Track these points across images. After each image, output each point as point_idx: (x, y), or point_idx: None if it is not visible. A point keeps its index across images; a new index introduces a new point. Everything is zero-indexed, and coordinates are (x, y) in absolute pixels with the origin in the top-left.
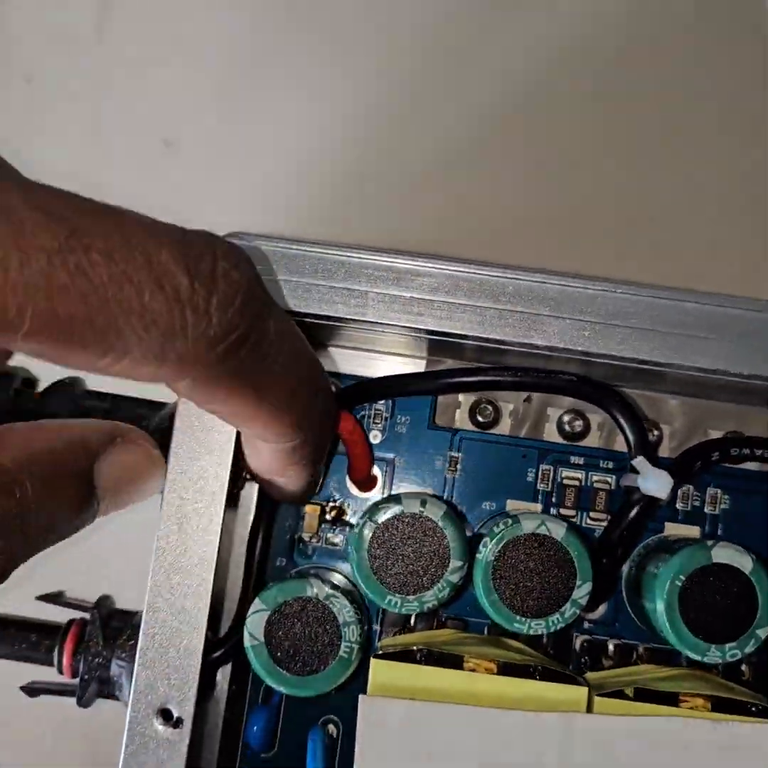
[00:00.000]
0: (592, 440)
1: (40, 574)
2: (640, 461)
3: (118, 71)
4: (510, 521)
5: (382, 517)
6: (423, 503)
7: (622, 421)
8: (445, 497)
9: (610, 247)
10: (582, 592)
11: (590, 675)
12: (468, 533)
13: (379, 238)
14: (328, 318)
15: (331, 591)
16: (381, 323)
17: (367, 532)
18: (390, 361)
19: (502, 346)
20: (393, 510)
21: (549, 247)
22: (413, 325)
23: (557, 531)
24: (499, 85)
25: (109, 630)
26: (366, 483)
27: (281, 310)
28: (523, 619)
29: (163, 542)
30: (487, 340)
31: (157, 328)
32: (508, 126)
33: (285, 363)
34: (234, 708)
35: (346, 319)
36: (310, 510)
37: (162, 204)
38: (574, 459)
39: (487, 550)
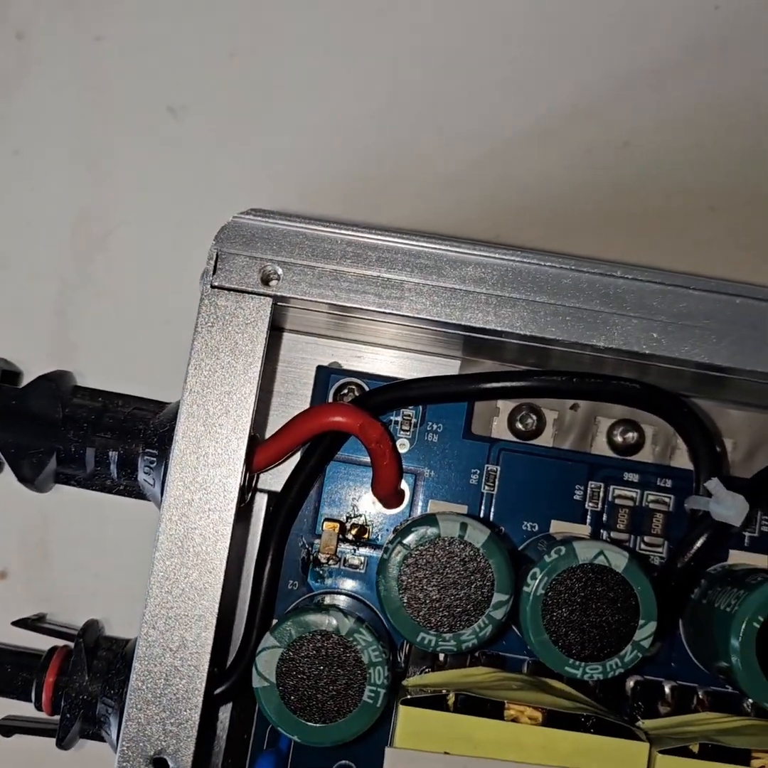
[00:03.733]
0: (645, 454)
1: (16, 594)
2: (714, 484)
3: (120, 28)
4: (563, 549)
5: (415, 541)
6: (463, 527)
7: (693, 437)
8: (480, 516)
9: (684, 237)
10: (645, 632)
11: (647, 723)
12: None
13: (414, 223)
14: (358, 310)
15: (354, 625)
16: (418, 318)
17: (397, 559)
18: (418, 359)
19: (552, 347)
20: (427, 533)
21: (612, 237)
22: (456, 322)
23: (618, 562)
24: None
25: (97, 661)
26: (392, 499)
27: None
28: (577, 662)
29: (161, 565)
30: (538, 339)
31: None
32: (566, 99)
33: None
34: (235, 750)
35: (379, 312)
36: (328, 527)
37: (169, 175)
38: (627, 476)
39: (536, 583)
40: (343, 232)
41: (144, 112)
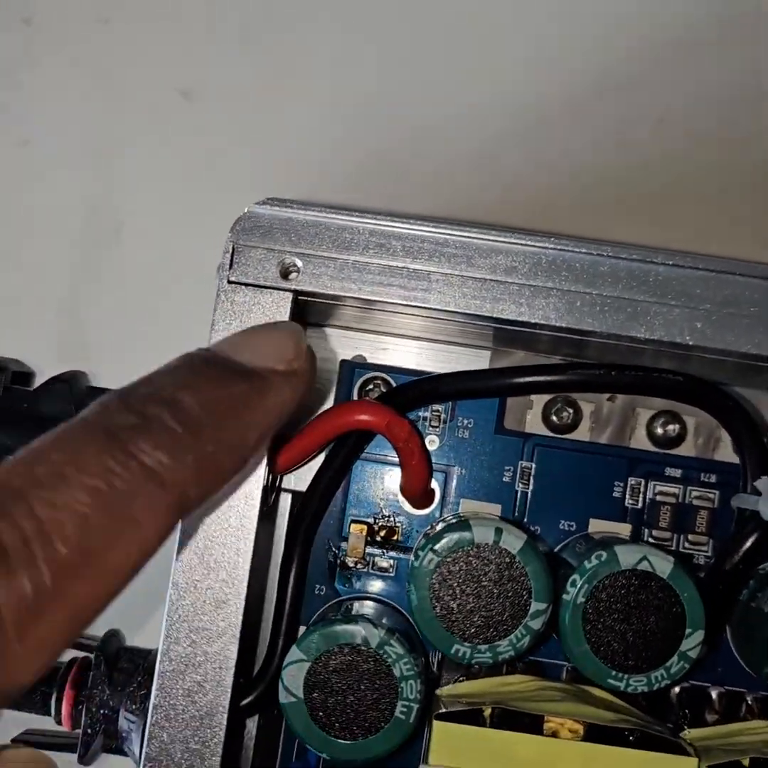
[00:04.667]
0: (687, 447)
1: None
2: (764, 482)
3: (127, 9)
4: (604, 555)
5: (447, 547)
6: (498, 532)
7: (740, 432)
8: (514, 515)
9: (723, 217)
10: (692, 642)
11: (693, 733)
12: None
13: (437, 210)
14: (383, 303)
15: (385, 637)
16: (447, 311)
17: (429, 567)
18: (447, 351)
19: (590, 339)
20: (460, 539)
21: (645, 217)
22: (487, 314)
23: (663, 567)
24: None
25: (118, 673)
26: (421, 499)
27: None
28: (620, 674)
29: (180, 575)
30: (574, 331)
31: None
32: (593, 77)
33: None
34: (264, 762)
35: (405, 305)
36: (356, 529)
37: (181, 163)
38: (669, 471)
39: (576, 590)
40: (365, 220)
41: (155, 97)
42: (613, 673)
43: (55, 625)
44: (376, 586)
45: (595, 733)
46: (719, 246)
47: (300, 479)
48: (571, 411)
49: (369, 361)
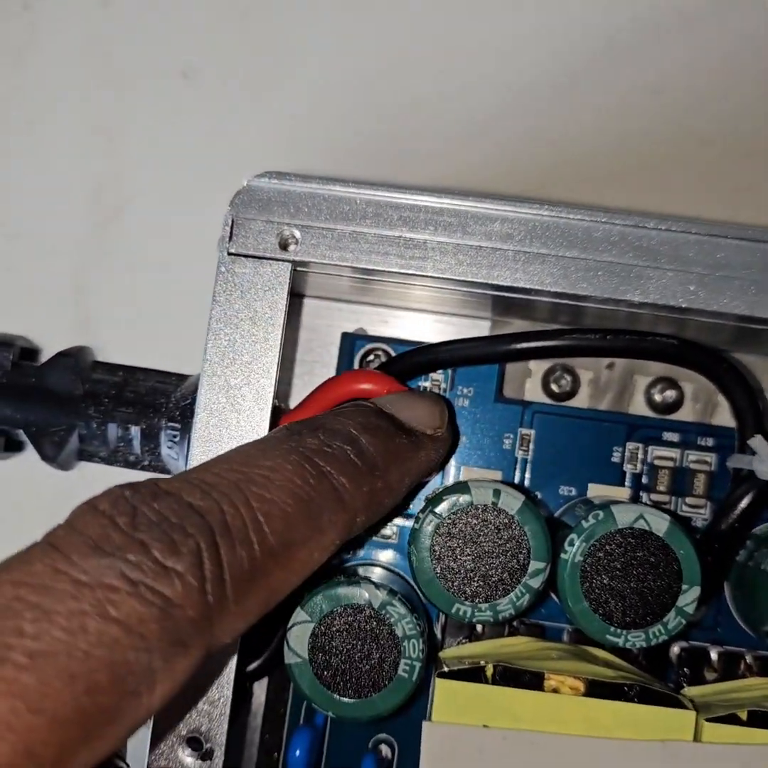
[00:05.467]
0: (685, 413)
1: None
2: (758, 441)
3: None
4: (601, 514)
5: (447, 509)
6: (496, 493)
7: (735, 393)
8: (514, 482)
9: (719, 185)
10: (688, 598)
11: (692, 690)
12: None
13: (437, 180)
14: (380, 273)
15: (387, 598)
16: (443, 278)
17: (429, 528)
18: (447, 322)
19: (585, 304)
20: (460, 501)
21: (643, 187)
22: (483, 281)
23: (659, 525)
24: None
25: None
26: None
27: None
28: (619, 630)
29: None
30: (569, 296)
31: None
32: (590, 46)
33: None
34: (272, 726)
35: (402, 273)
36: None
37: (185, 142)
38: (667, 435)
39: (574, 549)
40: (361, 191)
41: (156, 77)
42: (612, 629)
43: (258, 599)
44: (378, 553)
45: (595, 689)
46: (716, 215)
47: None
48: (569, 379)
49: (370, 334)
